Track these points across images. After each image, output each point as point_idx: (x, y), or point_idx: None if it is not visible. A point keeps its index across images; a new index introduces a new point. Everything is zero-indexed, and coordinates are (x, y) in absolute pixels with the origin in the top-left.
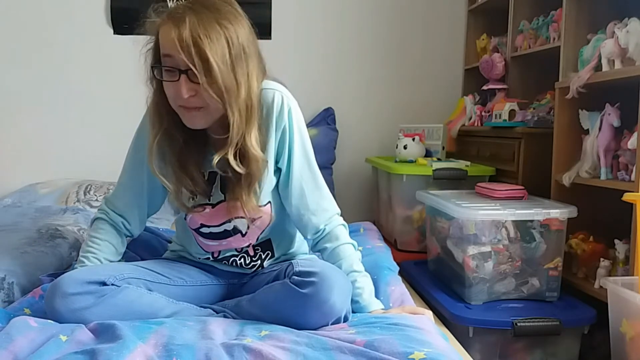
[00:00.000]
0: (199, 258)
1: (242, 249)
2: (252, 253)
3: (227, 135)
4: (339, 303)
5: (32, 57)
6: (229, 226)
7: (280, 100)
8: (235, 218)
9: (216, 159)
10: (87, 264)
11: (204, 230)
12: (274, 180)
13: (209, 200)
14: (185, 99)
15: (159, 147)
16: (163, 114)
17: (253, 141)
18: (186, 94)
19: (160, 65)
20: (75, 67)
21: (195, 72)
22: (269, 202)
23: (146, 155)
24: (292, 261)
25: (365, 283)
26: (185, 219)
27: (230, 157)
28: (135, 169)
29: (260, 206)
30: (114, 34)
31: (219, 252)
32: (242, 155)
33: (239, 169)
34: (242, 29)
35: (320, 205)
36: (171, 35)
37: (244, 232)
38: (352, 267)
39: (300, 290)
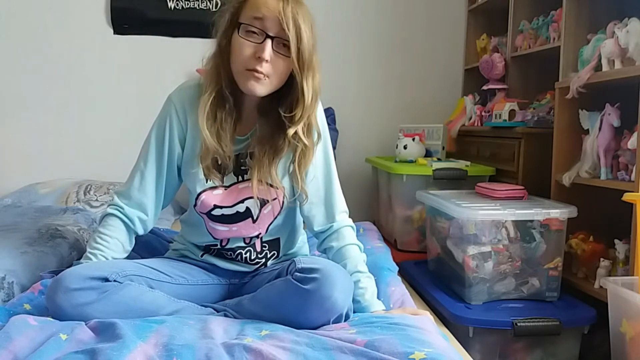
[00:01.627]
0: (202, 255)
1: (250, 239)
2: (258, 249)
3: (282, 111)
4: (341, 300)
5: (32, 57)
6: (241, 207)
7: None
8: (249, 198)
9: (292, 130)
10: (93, 261)
11: (216, 212)
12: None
13: (222, 182)
14: (261, 62)
15: (209, 106)
16: (222, 74)
17: (318, 117)
18: (268, 56)
19: (248, 24)
20: (75, 67)
21: (290, 41)
22: (283, 187)
23: (168, 141)
24: (294, 258)
25: (368, 284)
26: (195, 206)
27: (300, 130)
28: (158, 157)
29: (275, 187)
30: (114, 34)
31: (228, 240)
32: (308, 129)
33: (306, 140)
34: (310, 14)
35: (331, 199)
36: (275, 3)
37: (255, 217)
38: (357, 267)
39: (303, 286)
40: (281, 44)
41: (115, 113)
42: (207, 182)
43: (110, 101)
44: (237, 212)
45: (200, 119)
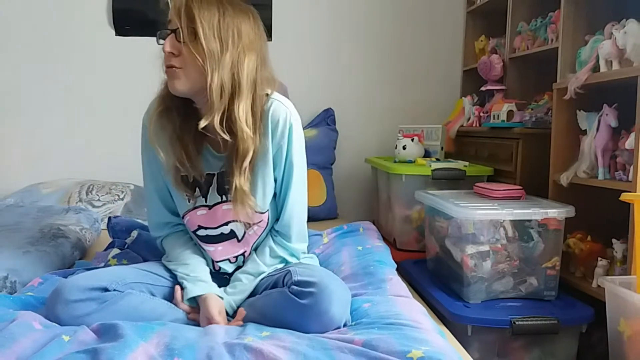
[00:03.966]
0: None
1: (236, 258)
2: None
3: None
4: (339, 314)
5: (34, 58)
6: (225, 229)
7: (285, 116)
8: (233, 222)
9: (203, 123)
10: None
11: (201, 232)
12: (274, 188)
13: (206, 201)
14: (168, 57)
15: (159, 119)
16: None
17: (241, 113)
18: (168, 48)
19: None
20: (77, 68)
21: (181, 29)
22: (268, 210)
23: (154, 164)
24: (290, 269)
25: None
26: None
27: (216, 122)
28: (153, 183)
29: (260, 213)
30: (116, 35)
31: (219, 267)
32: (230, 125)
33: (224, 135)
34: (245, 22)
35: (300, 228)
36: (177, 1)
37: (239, 237)
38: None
39: (300, 300)
40: (187, 34)
41: (117, 114)
42: (189, 202)
43: (112, 102)
44: (222, 233)
45: (149, 136)
